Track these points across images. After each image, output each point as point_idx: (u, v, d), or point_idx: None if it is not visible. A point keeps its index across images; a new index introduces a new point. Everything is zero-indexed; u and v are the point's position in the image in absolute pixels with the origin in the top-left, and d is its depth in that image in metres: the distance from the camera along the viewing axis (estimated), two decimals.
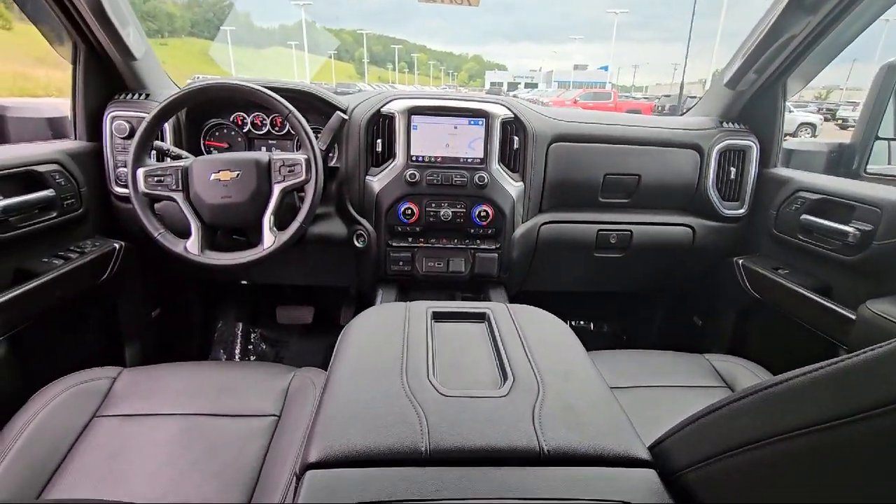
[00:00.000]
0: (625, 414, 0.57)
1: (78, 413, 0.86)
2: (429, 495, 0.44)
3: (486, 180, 1.23)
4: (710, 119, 1.39)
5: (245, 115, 1.30)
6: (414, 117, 1.23)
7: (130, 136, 1.21)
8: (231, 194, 1.03)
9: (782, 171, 1.32)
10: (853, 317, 0.98)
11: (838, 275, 1.10)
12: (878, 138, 1.33)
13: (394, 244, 1.28)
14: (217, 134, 1.32)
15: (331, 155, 1.27)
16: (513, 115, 1.25)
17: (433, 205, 1.25)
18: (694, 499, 0.46)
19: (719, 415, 0.45)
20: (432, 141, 1.24)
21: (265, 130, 1.32)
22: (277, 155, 1.06)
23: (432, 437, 0.50)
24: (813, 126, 14.79)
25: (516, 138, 1.26)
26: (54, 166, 1.08)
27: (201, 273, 1.17)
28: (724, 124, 1.36)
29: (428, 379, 0.60)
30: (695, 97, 19.84)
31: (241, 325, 1.78)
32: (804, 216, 1.17)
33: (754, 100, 1.33)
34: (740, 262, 1.33)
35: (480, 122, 1.24)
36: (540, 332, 0.74)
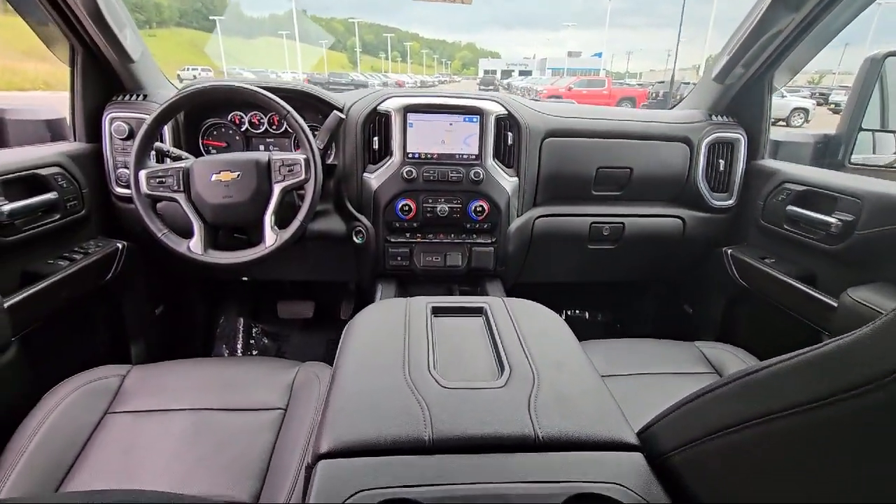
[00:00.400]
0: (614, 401, 0.61)
1: (90, 410, 0.89)
2: (433, 481, 0.47)
3: (481, 176, 1.26)
4: (700, 112, 1.42)
5: (243, 115, 1.32)
6: (410, 115, 1.25)
7: (130, 137, 1.23)
8: (232, 194, 1.05)
9: (769, 163, 1.35)
10: (835, 304, 1.02)
11: (822, 263, 1.14)
12: (861, 129, 1.36)
13: (392, 240, 1.31)
14: (215, 133, 1.34)
15: (328, 153, 1.29)
16: (506, 112, 1.27)
17: (430, 201, 1.27)
18: (679, 480, 0.50)
19: (704, 400, 0.49)
20: (428, 138, 1.26)
21: (263, 129, 1.34)
22: (277, 155, 1.08)
23: (435, 427, 0.53)
24: (806, 111, 14.84)
25: (510, 134, 1.29)
26: (56, 169, 1.09)
27: (203, 271, 1.19)
28: (713, 117, 1.39)
29: (429, 372, 0.63)
30: (688, 83, 19.82)
31: (242, 320, 1.81)
32: (790, 207, 1.20)
33: (742, 93, 1.36)
34: (729, 251, 1.37)
35: (475, 119, 1.26)
36: (534, 325, 0.78)
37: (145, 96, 1.27)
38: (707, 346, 1.13)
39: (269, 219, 1.07)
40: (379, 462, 0.50)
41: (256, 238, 1.13)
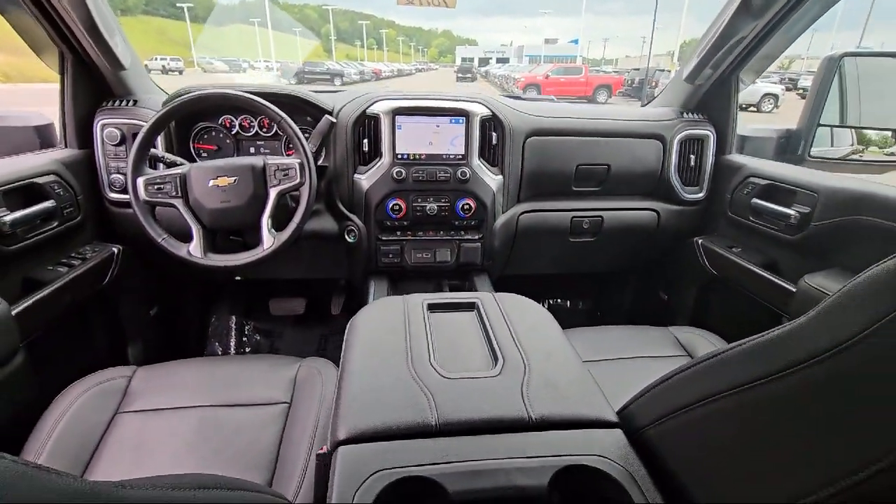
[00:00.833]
0: (597, 385, 0.68)
1: (101, 411, 0.93)
2: (441, 460, 0.54)
3: (467, 175, 1.32)
4: (672, 110, 1.50)
5: (233, 118, 1.35)
6: (398, 118, 1.30)
7: (122, 142, 1.24)
8: (230, 199, 1.09)
9: (736, 158, 1.44)
10: (794, 289, 1.12)
11: (783, 252, 1.24)
12: (820, 125, 1.46)
13: (383, 238, 1.36)
14: (206, 137, 1.36)
15: (319, 155, 1.33)
16: (491, 113, 1.33)
17: (419, 200, 1.33)
18: (653, 451, 0.57)
19: (674, 380, 0.57)
20: (416, 140, 1.31)
21: (253, 132, 1.37)
22: (271, 160, 1.12)
23: (440, 413, 0.60)
24: (775, 96, 15.23)
25: (494, 134, 1.35)
26: (52, 177, 1.11)
27: (199, 273, 1.23)
28: (684, 115, 1.48)
29: (430, 364, 0.70)
30: (663, 70, 20.07)
31: (234, 318, 1.84)
32: (754, 200, 1.30)
33: (711, 92, 1.44)
34: (700, 241, 1.46)
35: (461, 121, 1.32)
36: (523, 318, 0.85)
37: (135, 102, 1.28)
38: (680, 330, 1.22)
39: (266, 222, 1.11)
40: (392, 446, 0.56)
41: (252, 240, 1.17)
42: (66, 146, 1.25)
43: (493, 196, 1.36)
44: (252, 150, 1.38)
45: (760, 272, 1.22)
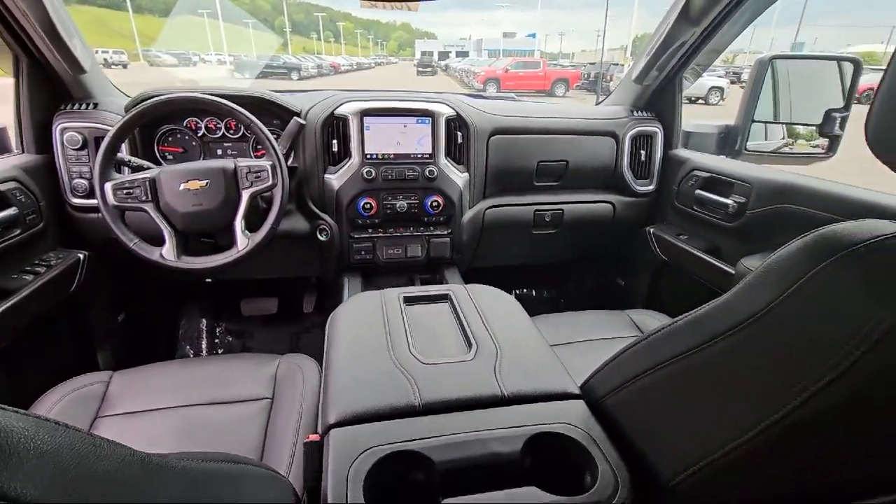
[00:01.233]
0: (561, 364, 0.76)
1: (81, 416, 0.93)
2: (425, 435, 0.60)
3: (435, 173, 1.38)
4: (623, 108, 1.60)
5: (199, 121, 1.35)
6: (366, 119, 1.34)
7: (83, 147, 1.23)
8: (202, 202, 1.10)
9: (682, 153, 1.57)
10: (732, 272, 1.24)
11: (723, 238, 1.37)
12: (754, 121, 1.59)
13: (355, 236, 1.40)
14: (170, 139, 1.35)
15: (289, 156, 1.36)
16: (455, 113, 1.39)
17: (389, 198, 1.38)
18: (610, 417, 0.65)
19: (626, 355, 0.65)
20: (384, 140, 1.36)
21: (220, 134, 1.37)
22: (243, 162, 1.14)
23: (422, 395, 0.66)
24: (721, 89, 15.99)
25: (460, 134, 1.41)
26: (13, 184, 1.09)
27: (167, 275, 1.23)
28: (634, 113, 1.58)
29: (410, 352, 0.76)
30: (617, 64, 20.66)
31: (205, 321, 1.83)
32: (698, 191, 1.42)
33: (657, 92, 1.56)
34: (651, 230, 1.58)
35: (427, 121, 1.37)
36: (493, 307, 0.92)
37: (96, 105, 1.27)
38: (635, 313, 1.32)
39: (239, 223, 1.13)
40: (380, 426, 0.62)
41: (224, 242, 1.18)
42: (23, 151, 1.22)
43: (460, 192, 1.42)
44: (219, 152, 1.39)
45: (704, 257, 1.34)
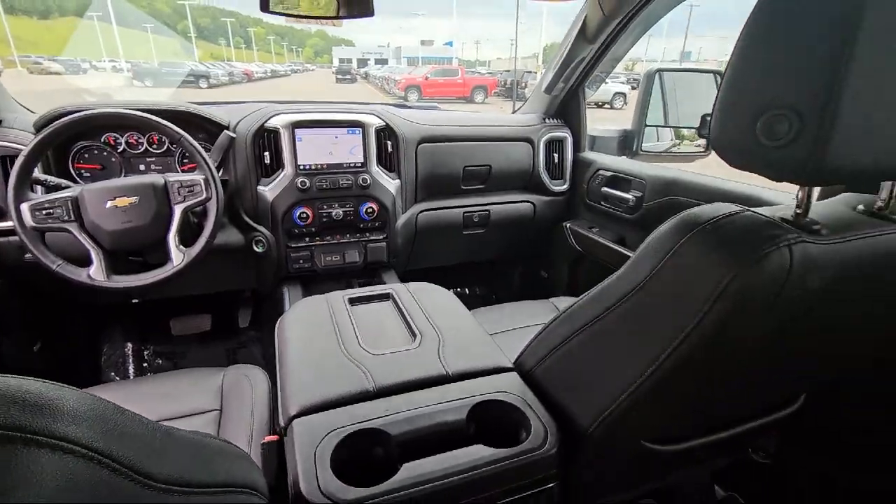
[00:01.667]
0: (497, 346, 0.87)
1: None
2: (381, 414, 0.67)
3: (368, 181, 1.44)
4: (536, 116, 1.77)
5: (118, 136, 1.31)
6: (297, 130, 1.37)
7: None
8: (132, 219, 1.09)
9: (589, 155, 1.76)
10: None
11: (627, 228, 1.56)
12: (647, 125, 1.83)
13: (293, 245, 1.43)
14: (87, 156, 1.30)
15: (220, 169, 1.35)
16: (384, 124, 1.46)
17: (325, 207, 1.42)
18: (539, 383, 0.77)
19: (547, 329, 0.76)
20: (317, 150, 1.40)
21: (142, 149, 1.34)
22: (173, 177, 1.13)
23: (375, 381, 0.73)
24: (624, 94, 17.40)
25: (389, 143, 1.48)
26: None
27: (90, 298, 1.17)
28: (546, 120, 1.75)
29: (360, 346, 0.82)
30: (531, 71, 21.74)
31: (130, 344, 1.74)
32: (604, 188, 1.61)
33: (565, 101, 1.74)
34: (567, 225, 1.75)
35: (357, 132, 1.43)
36: (433, 301, 1.00)
37: (0, 122, 1.19)
38: (559, 300, 1.47)
39: (173, 239, 1.12)
40: (339, 411, 0.68)
41: (155, 259, 1.17)
42: None
43: (393, 199, 1.50)
44: (142, 167, 1.35)
45: (612, 245, 1.53)
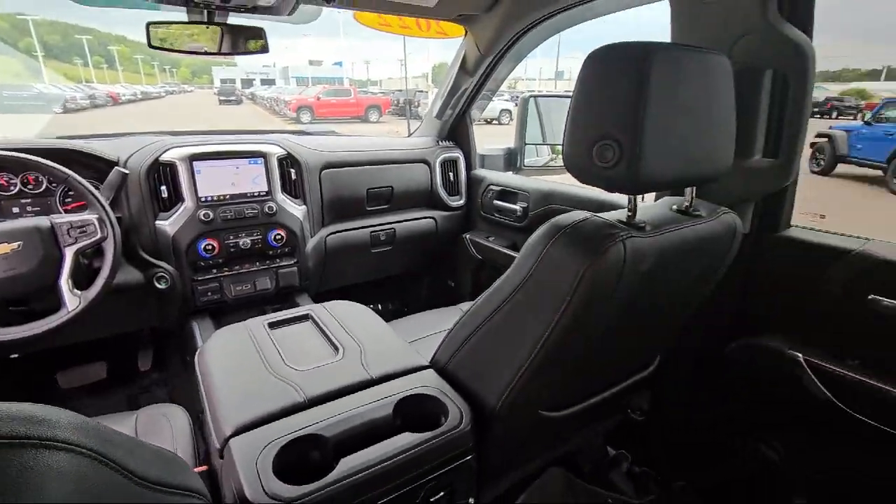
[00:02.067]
0: (414, 349, 0.97)
1: None
2: (315, 421, 0.74)
3: (274, 209, 1.47)
4: (430, 139, 1.93)
5: None
6: (196, 163, 1.37)
7: None
8: (15, 266, 1.02)
9: (480, 172, 1.95)
10: None
11: (518, 235, 1.76)
12: (526, 144, 2.08)
13: (199, 278, 1.41)
14: None
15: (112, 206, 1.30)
16: (286, 153, 1.51)
17: (231, 237, 1.42)
18: (453, 374, 0.88)
19: (455, 329, 0.88)
20: (218, 182, 1.41)
21: (15, 190, 1.24)
22: (59, 218, 1.08)
23: (306, 393, 0.79)
24: (509, 111, 18.70)
25: (293, 171, 1.53)
26: None
27: None
28: (440, 143, 1.92)
29: (286, 365, 0.88)
30: (423, 91, 22.40)
31: None
32: (495, 201, 1.80)
33: (454, 125, 1.92)
34: (467, 236, 1.92)
35: (259, 161, 1.46)
36: (351, 316, 1.08)
37: None
38: (465, 305, 1.62)
39: (65, 283, 1.07)
40: (274, 425, 0.73)
41: (41, 306, 1.10)
42: None
43: (301, 224, 1.54)
44: (16, 210, 1.25)
45: (507, 251, 1.72)
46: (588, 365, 0.86)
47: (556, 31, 1.48)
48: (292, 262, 1.56)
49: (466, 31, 1.59)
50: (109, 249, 1.12)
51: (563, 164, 2.07)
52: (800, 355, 0.95)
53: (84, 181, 1.09)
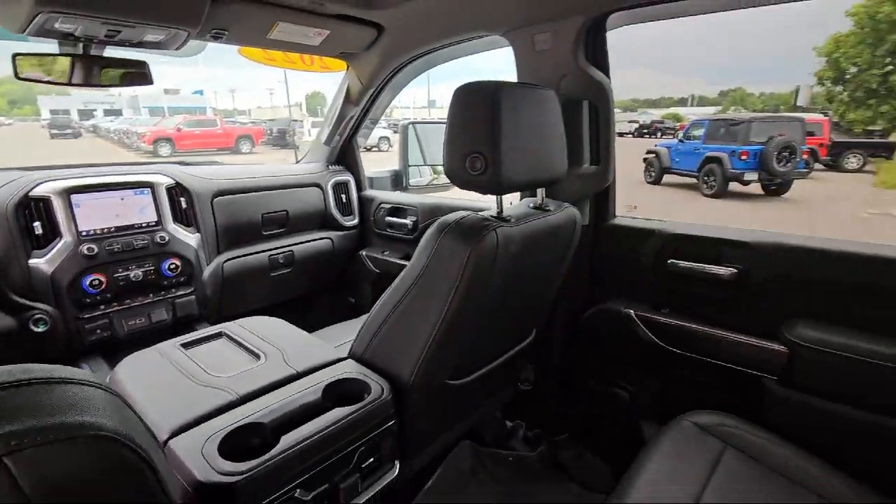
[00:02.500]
0: (331, 345, 1.08)
1: None
2: (251, 413, 0.82)
3: (166, 239, 1.46)
4: (320, 164, 2.04)
5: None
6: (73, 196, 1.32)
7: None
8: None
9: (370, 192, 2.11)
10: None
11: (409, 246, 1.94)
12: (409, 165, 2.29)
13: (85, 316, 1.34)
14: None
15: None
16: (174, 182, 1.51)
17: (120, 270, 1.38)
18: (371, 362, 1.01)
19: (369, 321, 1.02)
20: (101, 214, 1.36)
21: None
22: None
23: (237, 392, 0.86)
24: (388, 138, 19.23)
25: (183, 199, 1.53)
26: None
27: None
28: (330, 167, 2.04)
29: (209, 375, 0.93)
30: (297, 120, 21.90)
31: None
32: (387, 218, 1.97)
33: (343, 150, 2.06)
34: (364, 253, 2.05)
35: (146, 192, 1.45)
36: (265, 327, 1.15)
37: None
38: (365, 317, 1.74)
39: None
40: (211, 422, 0.80)
41: None
42: None
43: (196, 252, 1.54)
44: None
45: (402, 262, 1.89)
46: (480, 336, 1.05)
47: (429, 66, 1.72)
48: (189, 290, 1.54)
49: (348, 66, 1.76)
50: None
51: (444, 183, 2.37)
52: (631, 311, 1.26)
53: None
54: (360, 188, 2.11)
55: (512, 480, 1.38)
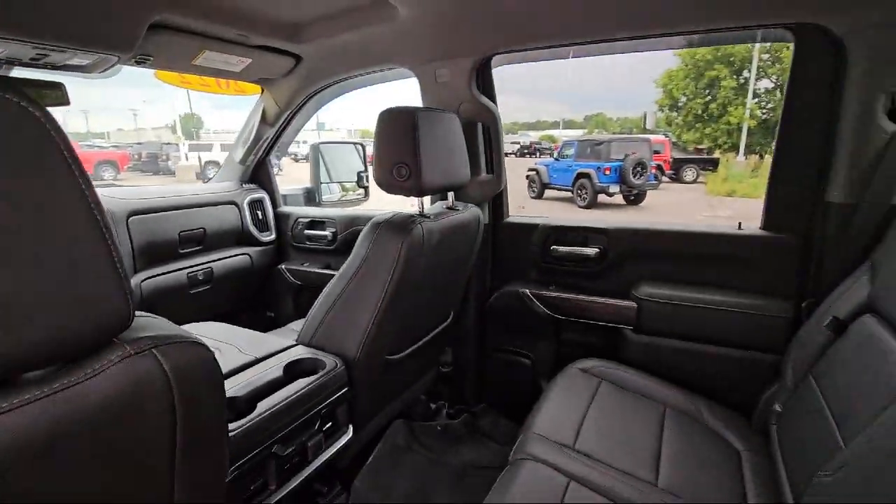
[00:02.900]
0: (279, 339, 1.21)
1: None
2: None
3: None
4: (234, 183, 2.10)
5: None
6: None
7: None
8: None
9: (285, 209, 2.21)
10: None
11: (330, 257, 2.08)
12: (321, 182, 2.44)
13: None
14: None
15: None
16: None
17: None
18: (321, 346, 1.16)
19: (316, 308, 1.17)
20: None
21: None
22: None
23: None
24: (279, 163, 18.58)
25: None
26: None
27: None
28: (244, 185, 2.11)
29: None
30: (169, 143, 20.15)
31: None
32: (306, 231, 2.09)
33: (257, 169, 2.14)
34: (283, 266, 2.14)
35: None
36: (209, 330, 1.24)
37: None
38: (296, 324, 1.84)
39: None
40: None
41: None
42: None
43: None
44: None
45: (324, 272, 2.02)
46: (412, 313, 1.27)
47: (343, 91, 1.92)
48: None
49: (263, 90, 1.89)
50: None
51: (353, 198, 2.61)
52: (527, 290, 1.57)
53: None
54: (274, 205, 2.20)
55: (440, 446, 1.59)
